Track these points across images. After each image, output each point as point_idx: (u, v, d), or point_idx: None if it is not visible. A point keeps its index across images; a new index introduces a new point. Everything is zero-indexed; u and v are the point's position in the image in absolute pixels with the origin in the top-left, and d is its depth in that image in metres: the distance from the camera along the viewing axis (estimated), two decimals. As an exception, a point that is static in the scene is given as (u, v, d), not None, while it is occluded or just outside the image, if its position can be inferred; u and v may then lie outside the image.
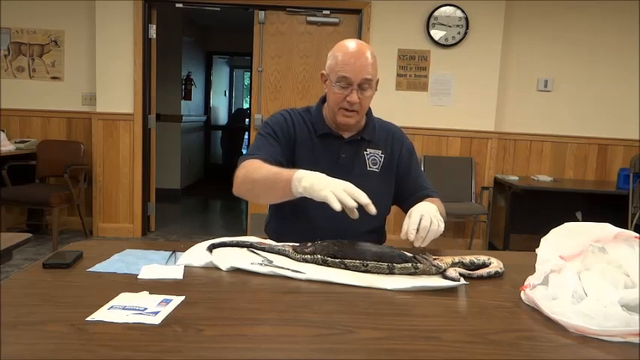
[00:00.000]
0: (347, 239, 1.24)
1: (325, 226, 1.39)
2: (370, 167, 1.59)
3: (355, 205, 1.16)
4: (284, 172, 1.32)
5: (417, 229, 1.27)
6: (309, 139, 1.58)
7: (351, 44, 1.50)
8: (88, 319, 0.85)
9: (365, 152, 1.59)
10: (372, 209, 1.18)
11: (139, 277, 1.08)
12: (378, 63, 1.52)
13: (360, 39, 4.21)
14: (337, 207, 1.16)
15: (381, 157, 1.60)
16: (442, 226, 1.32)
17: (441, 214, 1.42)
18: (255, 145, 1.53)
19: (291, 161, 1.55)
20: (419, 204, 1.41)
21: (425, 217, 1.29)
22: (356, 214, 1.18)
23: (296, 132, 1.58)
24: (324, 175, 1.25)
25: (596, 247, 1.01)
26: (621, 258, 0.95)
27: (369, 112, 1.62)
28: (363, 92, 1.49)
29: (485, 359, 0.79)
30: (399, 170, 1.63)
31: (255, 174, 1.38)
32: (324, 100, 1.62)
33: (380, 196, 1.58)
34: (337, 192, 1.17)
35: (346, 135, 1.58)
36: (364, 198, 1.17)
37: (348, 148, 1.58)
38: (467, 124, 4.33)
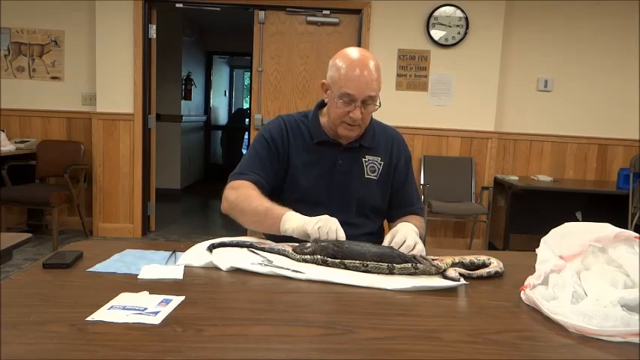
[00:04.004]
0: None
1: None
2: (368, 174, 1.56)
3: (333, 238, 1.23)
4: (274, 210, 1.35)
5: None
6: (306, 146, 1.55)
7: (355, 56, 1.43)
8: (88, 319, 0.85)
9: (364, 159, 1.56)
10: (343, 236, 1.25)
11: (139, 277, 1.08)
12: (380, 63, 1.48)
13: (360, 39, 4.22)
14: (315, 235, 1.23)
15: (380, 164, 1.57)
16: (423, 249, 1.28)
17: (420, 233, 1.43)
18: (247, 162, 1.53)
19: (286, 168, 1.55)
20: (403, 225, 1.38)
21: (409, 238, 1.27)
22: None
23: (290, 140, 1.55)
24: (307, 218, 1.28)
25: (596, 247, 1.01)
26: (621, 258, 0.96)
27: None
28: (367, 108, 1.44)
29: (485, 359, 0.79)
30: (394, 178, 1.61)
31: (245, 204, 1.40)
32: (320, 105, 1.59)
33: (377, 202, 1.59)
34: (322, 227, 1.23)
35: (344, 141, 1.55)
36: (341, 233, 1.24)
37: (346, 155, 1.55)
38: (467, 124, 4.33)
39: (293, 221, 1.29)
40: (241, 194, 1.43)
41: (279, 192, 1.57)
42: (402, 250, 1.24)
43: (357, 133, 1.52)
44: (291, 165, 1.55)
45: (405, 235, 1.28)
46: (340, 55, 1.46)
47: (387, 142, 1.61)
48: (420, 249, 1.26)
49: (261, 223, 1.37)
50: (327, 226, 1.23)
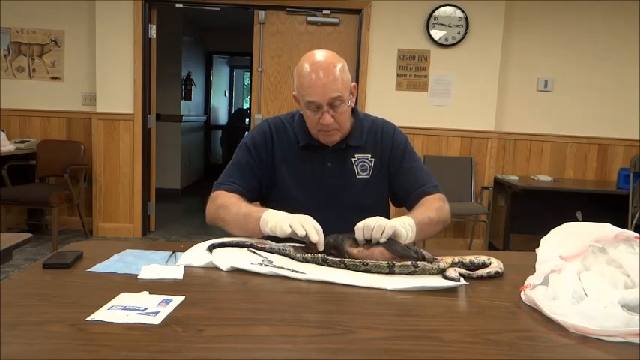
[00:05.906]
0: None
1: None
2: (360, 175, 1.50)
3: (307, 234, 1.19)
4: (252, 213, 1.32)
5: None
6: (292, 151, 1.50)
7: (311, 60, 1.39)
8: (88, 319, 0.85)
9: (353, 159, 1.50)
10: (321, 248, 1.19)
11: (139, 277, 1.08)
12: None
13: (360, 39, 4.21)
14: (301, 233, 1.19)
15: (370, 161, 1.51)
16: (389, 226, 1.18)
17: (430, 217, 1.37)
18: (227, 172, 1.51)
19: (272, 175, 1.51)
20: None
21: (367, 226, 1.19)
22: (315, 238, 1.19)
23: (275, 144, 1.51)
24: (286, 214, 1.26)
25: (596, 247, 1.01)
26: (621, 258, 0.95)
27: (355, 114, 1.54)
28: (336, 109, 1.39)
29: (485, 359, 0.79)
30: (390, 170, 1.53)
31: (224, 214, 1.39)
32: None
33: (373, 202, 1.51)
34: (294, 223, 1.20)
35: (331, 144, 1.49)
36: (319, 236, 1.19)
37: (334, 157, 1.49)
38: (467, 124, 4.33)
39: (270, 222, 1.26)
40: (220, 204, 1.42)
41: (268, 199, 1.53)
42: (365, 229, 1.18)
43: (340, 136, 1.47)
44: (277, 171, 1.51)
45: (362, 226, 1.20)
46: (299, 63, 1.42)
47: (377, 136, 1.53)
48: (378, 229, 1.17)
49: (244, 229, 1.35)
50: (301, 226, 1.20)
